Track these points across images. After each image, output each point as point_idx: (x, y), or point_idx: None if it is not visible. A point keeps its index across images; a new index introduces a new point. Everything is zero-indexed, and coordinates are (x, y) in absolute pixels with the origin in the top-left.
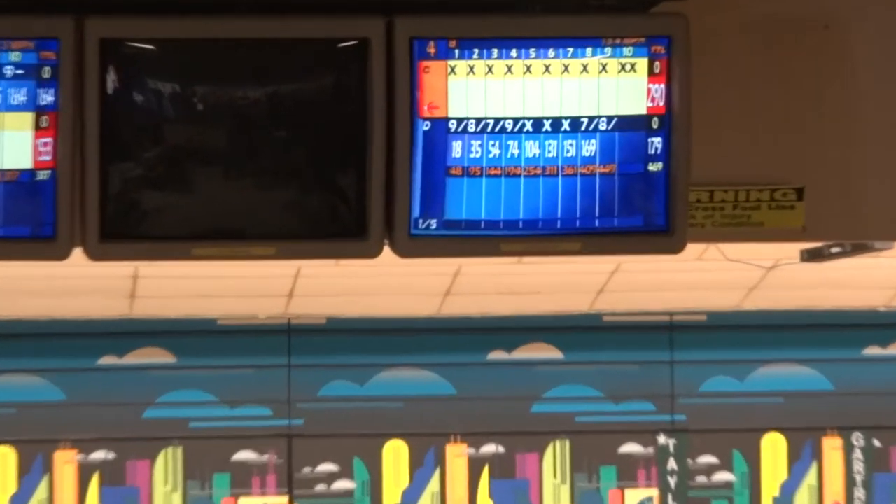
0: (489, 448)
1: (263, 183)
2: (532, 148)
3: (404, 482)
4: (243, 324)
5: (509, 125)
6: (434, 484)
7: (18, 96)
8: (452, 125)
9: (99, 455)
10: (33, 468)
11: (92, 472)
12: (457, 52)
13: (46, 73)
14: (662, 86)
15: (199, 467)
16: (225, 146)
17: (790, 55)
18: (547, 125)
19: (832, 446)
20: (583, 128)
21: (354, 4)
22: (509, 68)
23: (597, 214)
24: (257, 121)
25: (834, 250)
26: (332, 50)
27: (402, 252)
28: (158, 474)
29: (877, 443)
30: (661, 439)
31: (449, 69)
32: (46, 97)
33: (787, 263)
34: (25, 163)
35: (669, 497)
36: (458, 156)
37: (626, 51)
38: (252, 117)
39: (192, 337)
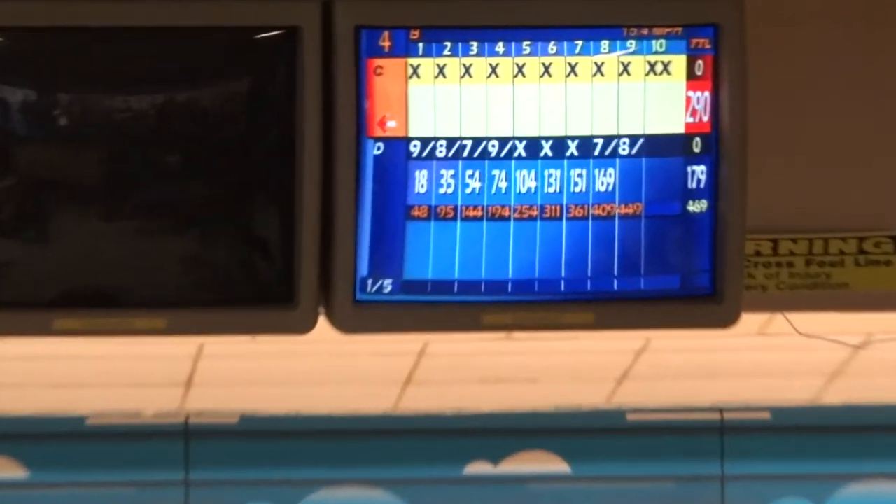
0: None
1: (151, 229)
2: (526, 180)
3: None
4: (123, 423)
5: (494, 148)
6: None
7: None
8: (415, 148)
9: None
10: None
11: None
12: (421, 46)
13: None
14: (707, 94)
15: None
16: (98, 178)
17: (889, 50)
18: (546, 148)
19: None
20: (596, 152)
21: None
22: (494, 69)
23: (616, 273)
24: (143, 142)
25: None
26: (246, 44)
27: (344, 325)
28: None
29: None
30: None
31: (410, 70)
32: None
33: (883, 340)
34: None
35: None
36: (422, 191)
37: (657, 45)
38: (136, 137)
39: (52, 442)
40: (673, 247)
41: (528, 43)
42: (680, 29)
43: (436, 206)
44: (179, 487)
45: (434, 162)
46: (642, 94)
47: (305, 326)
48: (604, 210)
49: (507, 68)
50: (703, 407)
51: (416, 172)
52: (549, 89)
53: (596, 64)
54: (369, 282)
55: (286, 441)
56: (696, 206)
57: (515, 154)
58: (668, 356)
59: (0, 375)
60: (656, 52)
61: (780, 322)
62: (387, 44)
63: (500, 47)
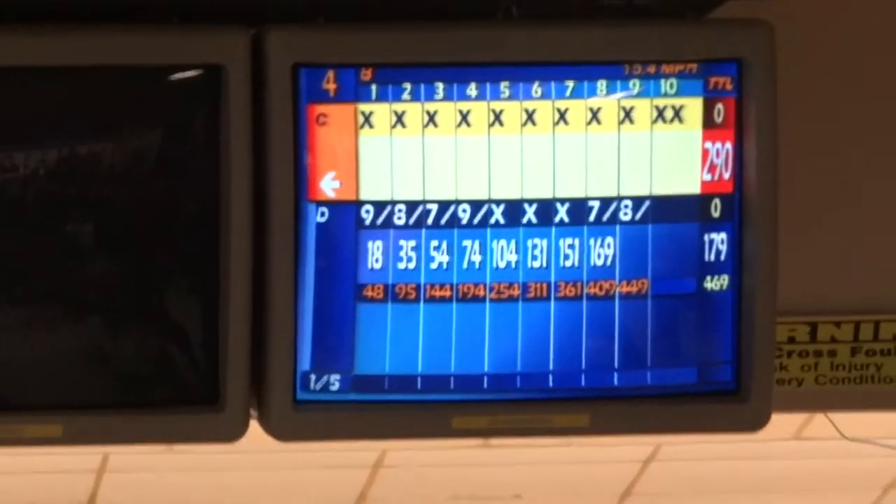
0: None
1: (43, 316)
2: (505, 253)
3: None
4: None
5: (465, 214)
6: None
7: None
8: (367, 214)
9: None
10: None
11: None
12: (374, 88)
13: None
14: (728, 146)
15: None
16: None
17: None
18: (530, 214)
19: None
20: (592, 218)
21: (201, 6)
22: (465, 117)
23: (616, 365)
24: (33, 209)
25: None
26: (158, 87)
27: (282, 432)
28: None
29: None
30: None
31: (361, 119)
32: None
33: None
34: None
35: None
36: (377, 266)
37: (667, 85)
38: (24, 202)
39: None
40: (686, 333)
41: (507, 84)
42: (695, 66)
43: (393, 286)
44: None
45: (391, 231)
46: (648, 146)
47: (233, 433)
48: (601, 289)
49: (482, 115)
50: None
51: (369, 244)
52: (533, 141)
53: (591, 110)
54: (312, 378)
55: None
56: (715, 283)
57: (492, 220)
58: (682, 466)
59: None
60: (666, 95)
61: (820, 424)
62: (332, 86)
63: (472, 90)
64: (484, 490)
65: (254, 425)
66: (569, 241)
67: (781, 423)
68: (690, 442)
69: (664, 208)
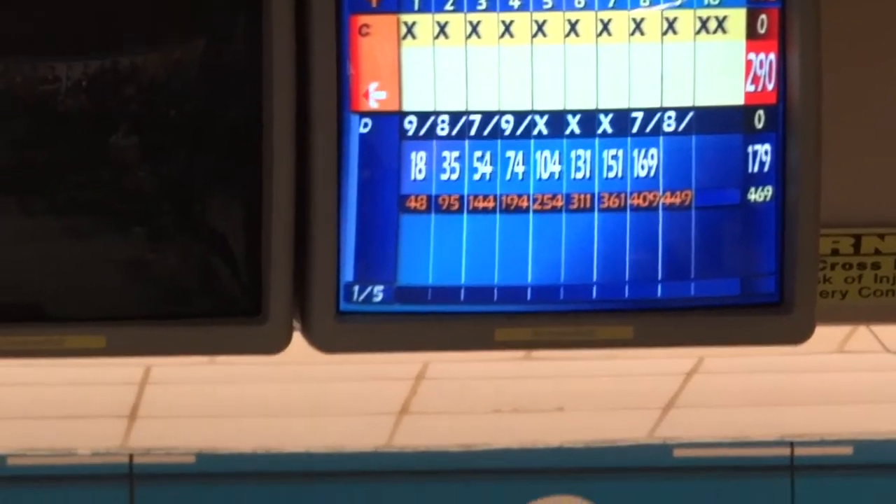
0: None
1: (86, 228)
2: (548, 164)
3: None
4: (54, 464)
5: (508, 125)
6: None
7: None
8: (410, 125)
9: None
10: None
11: None
12: None
13: None
14: (772, 56)
15: None
16: (20, 165)
17: None
18: (573, 125)
19: None
20: (635, 129)
21: None
22: (507, 27)
23: (660, 277)
24: (75, 122)
25: None
26: None
27: (325, 343)
28: None
29: None
30: None
31: (403, 29)
32: None
33: None
34: None
35: None
36: (420, 177)
37: None
38: (66, 115)
39: None
40: (730, 244)
41: None
42: None
43: (437, 196)
44: None
45: (434, 142)
46: (692, 57)
47: (276, 345)
48: (644, 200)
49: (524, 26)
50: (769, 441)
51: (412, 155)
52: (576, 52)
53: (634, 20)
54: (355, 289)
55: (252, 484)
56: (759, 195)
57: (535, 132)
58: (725, 379)
59: None
60: (709, 6)
61: (863, 336)
62: None
63: (514, 0)
64: (526, 402)
65: (296, 337)
66: (612, 152)
67: (824, 335)
68: (733, 355)
69: (707, 119)
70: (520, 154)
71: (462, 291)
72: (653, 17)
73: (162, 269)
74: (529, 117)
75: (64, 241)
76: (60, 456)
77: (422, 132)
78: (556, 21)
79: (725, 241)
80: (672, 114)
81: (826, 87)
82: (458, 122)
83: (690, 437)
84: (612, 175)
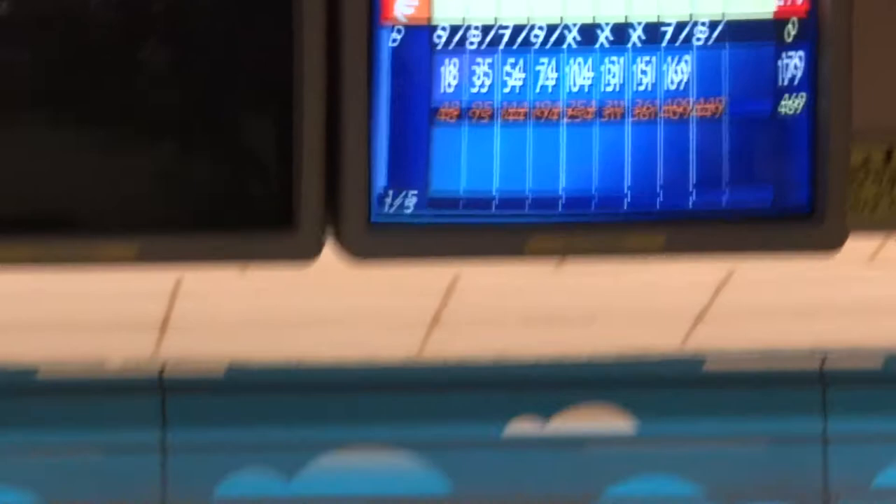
0: None
1: (118, 136)
2: (580, 74)
3: None
4: (84, 376)
5: (540, 35)
6: None
7: None
8: (441, 37)
9: None
10: None
11: None
12: None
13: None
14: None
15: None
16: (52, 72)
17: None
18: (605, 35)
19: None
20: (667, 39)
21: None
22: None
23: (691, 187)
24: (107, 28)
25: None
26: None
27: (357, 252)
28: None
29: None
30: None
31: None
32: None
33: None
34: None
35: None
36: (451, 89)
37: None
38: (98, 22)
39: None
40: (762, 154)
41: None
42: None
43: (468, 107)
44: (154, 453)
45: (465, 53)
46: None
47: (308, 254)
48: (676, 110)
49: None
50: (800, 352)
51: (443, 66)
52: None
53: None
54: (387, 198)
55: (284, 396)
56: (790, 105)
57: (567, 42)
58: (756, 290)
59: None
60: None
61: (894, 248)
62: None
63: None
64: (557, 313)
65: (328, 249)
66: (644, 62)
67: (856, 247)
68: (764, 266)
69: (739, 29)
70: (551, 65)
71: (494, 201)
72: None
73: (193, 178)
74: (561, 28)
75: (95, 152)
76: (90, 368)
77: (452, 43)
78: None
79: (757, 152)
80: (704, 24)
81: None
82: (488, 33)
83: (721, 349)
84: (643, 86)
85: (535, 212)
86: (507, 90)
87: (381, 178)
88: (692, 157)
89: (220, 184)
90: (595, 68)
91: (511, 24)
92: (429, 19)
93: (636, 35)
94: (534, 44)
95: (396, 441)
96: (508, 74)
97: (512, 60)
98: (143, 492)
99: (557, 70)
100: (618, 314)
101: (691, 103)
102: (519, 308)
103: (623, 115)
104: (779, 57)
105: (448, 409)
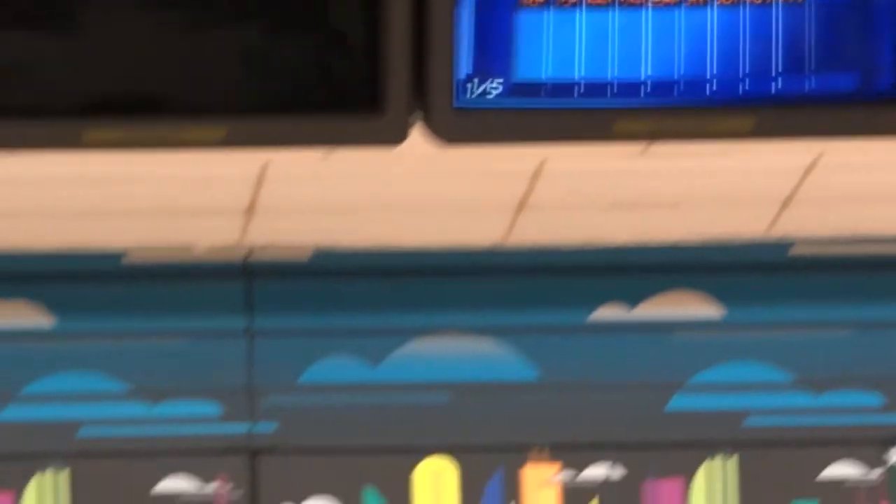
0: (597, 471)
1: (205, 18)
2: None
3: None
4: (170, 261)
5: None
6: None
7: None
8: None
9: None
10: None
11: None
12: None
13: None
14: None
15: None
16: None
17: None
18: None
19: None
20: None
21: None
22: None
23: (777, 71)
24: None
25: None
26: None
27: (442, 136)
28: None
29: None
30: None
31: None
32: None
33: None
34: None
35: None
36: None
37: None
38: None
39: (83, 284)
40: (847, 38)
41: None
42: None
43: None
44: (240, 338)
45: None
46: None
47: (395, 137)
48: None
49: None
50: (888, 237)
51: None
52: None
53: None
54: (472, 83)
55: (370, 281)
56: None
57: None
58: (844, 174)
59: (19, 202)
60: None
61: None
62: None
63: None
64: (643, 198)
65: (413, 131)
66: None
67: None
68: (852, 150)
69: None
70: None
71: (578, 86)
72: None
73: (281, 61)
74: None
75: (184, 35)
76: (176, 252)
77: None
78: None
79: (842, 35)
80: None
81: None
82: None
83: (808, 234)
84: None
85: (621, 97)
86: None
87: (466, 64)
88: (777, 41)
89: (308, 67)
90: None
91: None
92: None
93: None
94: None
95: (482, 327)
96: None
97: None
98: (228, 377)
99: None
100: (704, 199)
101: None
102: (605, 193)
103: (707, 0)
104: None
105: (534, 295)
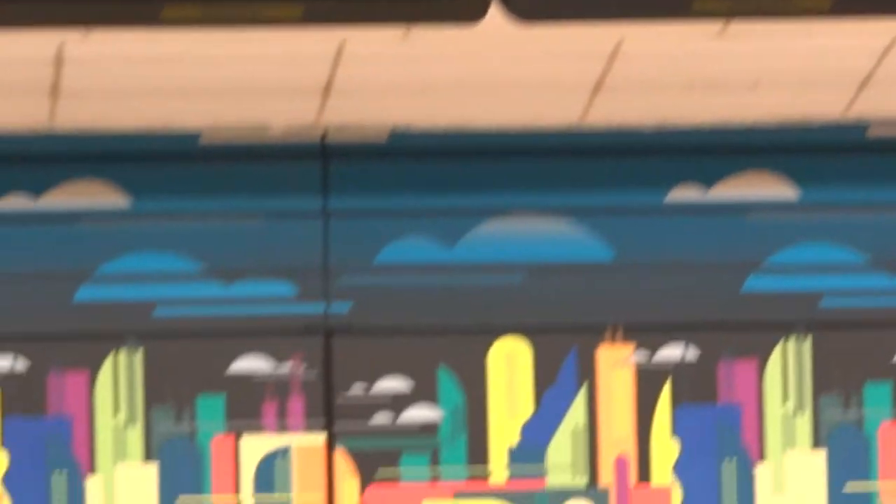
0: (672, 351)
1: None
2: None
3: (525, 409)
4: (246, 141)
5: None
6: (577, 412)
7: None
8: None
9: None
10: None
11: None
12: None
13: None
14: None
15: (172, 384)
16: None
17: None
18: None
19: None
20: None
21: None
22: None
23: None
24: None
25: None
26: None
27: (522, 11)
28: (102, 395)
29: None
30: None
31: None
32: None
33: None
34: None
35: None
36: None
37: None
38: None
39: (158, 164)
40: None
41: None
42: None
43: None
44: (316, 219)
45: None
46: None
47: (473, 15)
48: None
49: None
50: None
51: None
52: None
53: None
54: None
55: (446, 162)
56: None
57: None
58: None
59: (95, 81)
60: None
61: None
62: None
63: None
64: (720, 79)
65: (492, 12)
66: None
67: None
68: None
69: None
70: None
71: None
72: None
73: None
74: None
75: None
76: (252, 132)
77: None
78: None
79: None
80: None
81: None
82: None
83: (886, 114)
84: None
85: None
86: None
87: None
88: None
89: None
90: None
91: None
92: None
93: None
94: None
95: (557, 208)
96: None
97: None
98: (303, 258)
99: None
100: (781, 80)
101: None
102: (683, 73)
103: None
104: None
105: (610, 176)
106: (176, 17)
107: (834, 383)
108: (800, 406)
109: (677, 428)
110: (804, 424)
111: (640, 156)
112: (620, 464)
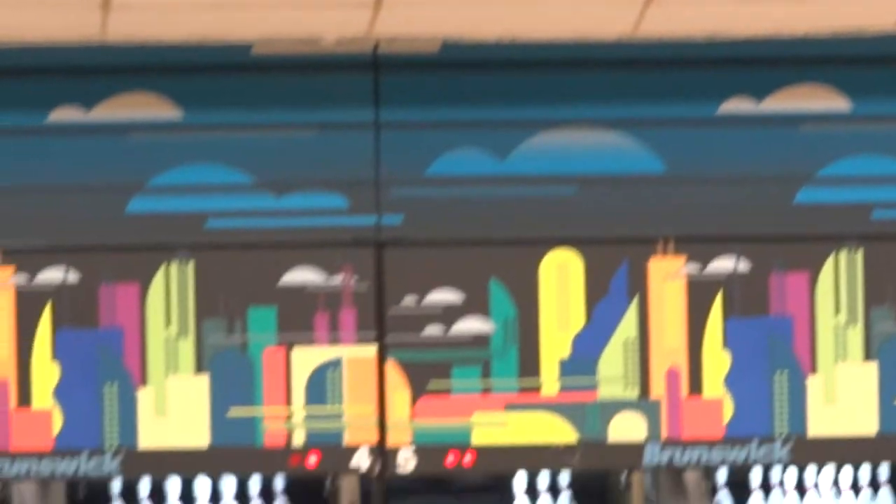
0: (723, 263)
1: None
2: None
3: (577, 321)
4: (297, 53)
5: None
6: (628, 324)
7: None
8: None
9: (51, 276)
10: None
11: (40, 304)
12: None
13: None
14: None
15: (224, 296)
16: None
17: None
18: None
19: None
20: None
21: None
22: None
23: None
24: None
25: None
26: None
27: None
28: (154, 307)
29: None
30: None
31: None
32: None
33: None
34: None
35: None
36: None
37: None
38: None
39: (210, 76)
40: None
41: None
42: None
43: None
44: (368, 130)
45: None
46: None
47: None
48: None
49: None
50: None
51: None
52: None
53: None
54: None
55: (498, 74)
56: None
57: None
58: None
59: None
60: None
61: None
62: None
63: None
64: None
65: None
66: None
67: None
68: None
69: None
70: None
71: None
72: None
73: None
74: None
75: None
76: (304, 44)
77: None
78: None
79: None
80: None
81: None
82: None
83: None
84: None
85: None
86: None
87: None
88: None
89: None
90: None
91: None
92: None
93: None
94: None
95: (610, 120)
96: None
97: None
98: (355, 170)
99: None
100: None
101: None
102: None
103: None
104: None
105: (661, 88)
106: None
107: (886, 296)
108: (851, 318)
109: (729, 340)
110: (855, 337)
111: (692, 68)
112: (672, 376)
